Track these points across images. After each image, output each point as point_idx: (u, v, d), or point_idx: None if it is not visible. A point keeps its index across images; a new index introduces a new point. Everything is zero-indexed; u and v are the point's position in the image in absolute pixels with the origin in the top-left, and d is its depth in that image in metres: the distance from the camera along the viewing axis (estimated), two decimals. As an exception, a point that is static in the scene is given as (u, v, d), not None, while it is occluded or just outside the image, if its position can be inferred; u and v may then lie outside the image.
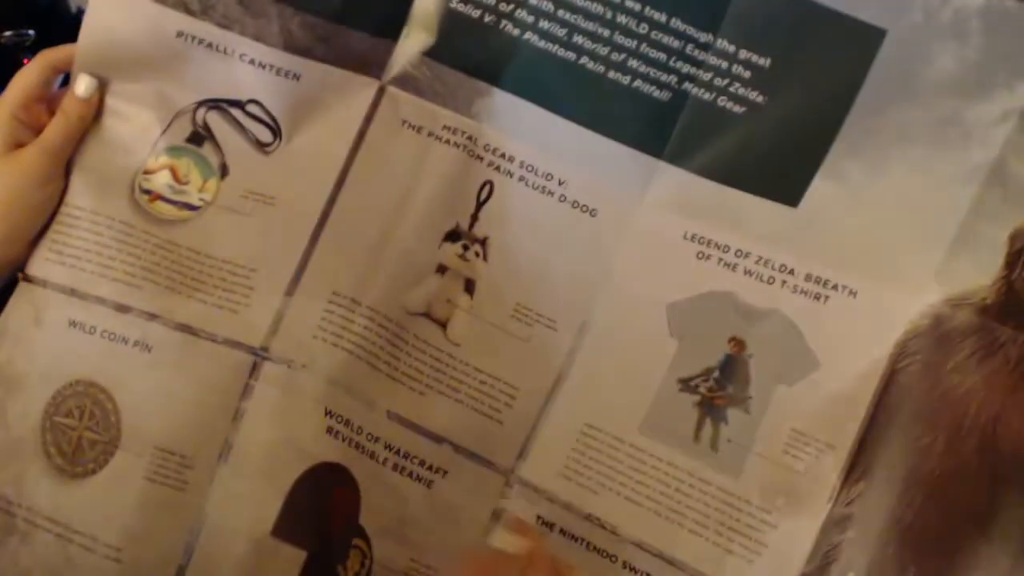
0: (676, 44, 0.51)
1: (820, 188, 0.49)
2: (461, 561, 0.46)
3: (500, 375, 0.54)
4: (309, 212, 0.53)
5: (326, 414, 0.53)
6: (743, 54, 0.50)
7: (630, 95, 0.51)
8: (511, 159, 0.53)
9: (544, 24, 0.51)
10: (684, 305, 0.52)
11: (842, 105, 0.49)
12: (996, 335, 0.44)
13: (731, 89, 0.51)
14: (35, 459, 0.52)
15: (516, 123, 0.53)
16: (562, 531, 0.53)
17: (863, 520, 0.47)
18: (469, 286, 0.54)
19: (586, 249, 0.53)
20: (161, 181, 0.52)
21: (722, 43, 0.50)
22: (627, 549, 0.52)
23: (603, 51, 0.51)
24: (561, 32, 0.51)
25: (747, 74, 0.50)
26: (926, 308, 0.47)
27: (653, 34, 0.51)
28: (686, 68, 0.51)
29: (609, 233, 0.53)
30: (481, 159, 0.53)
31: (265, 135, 0.53)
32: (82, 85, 0.51)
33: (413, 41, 0.52)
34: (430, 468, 0.54)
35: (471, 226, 0.54)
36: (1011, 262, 0.45)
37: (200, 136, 0.53)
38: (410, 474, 0.54)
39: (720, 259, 0.51)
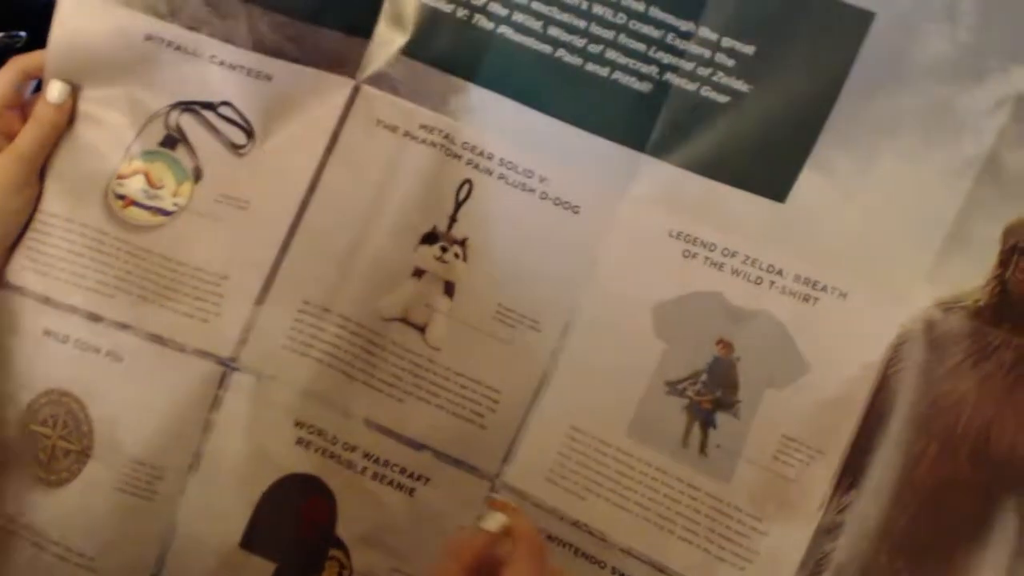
0: (656, 34, 0.49)
1: (808, 181, 0.47)
2: (444, 550, 0.45)
3: (482, 379, 0.52)
4: (281, 218, 0.52)
5: (296, 425, 0.52)
6: (726, 42, 0.48)
7: (610, 87, 0.50)
8: (490, 156, 0.52)
9: (518, 17, 0.50)
10: (670, 306, 0.50)
11: (830, 92, 0.47)
12: (989, 339, 0.42)
13: (714, 79, 0.49)
14: (14, 467, 0.52)
15: (494, 119, 0.51)
16: (550, 537, 0.52)
17: (855, 528, 0.45)
18: (448, 288, 0.53)
19: (569, 247, 0.52)
20: (135, 186, 0.51)
21: (704, 31, 0.48)
22: (616, 556, 0.51)
23: (580, 43, 0.49)
24: (536, 25, 0.50)
25: (731, 63, 0.48)
26: (918, 312, 0.45)
27: (631, 24, 0.49)
28: (667, 58, 0.49)
29: (592, 230, 0.51)
30: (459, 157, 0.52)
31: (239, 137, 0.52)
32: (54, 91, 0.50)
33: (387, 38, 0.51)
34: (411, 476, 0.53)
35: (450, 227, 0.53)
36: (1004, 260, 0.42)
37: (173, 139, 0.52)
38: (390, 482, 0.53)
39: (707, 258, 0.49)
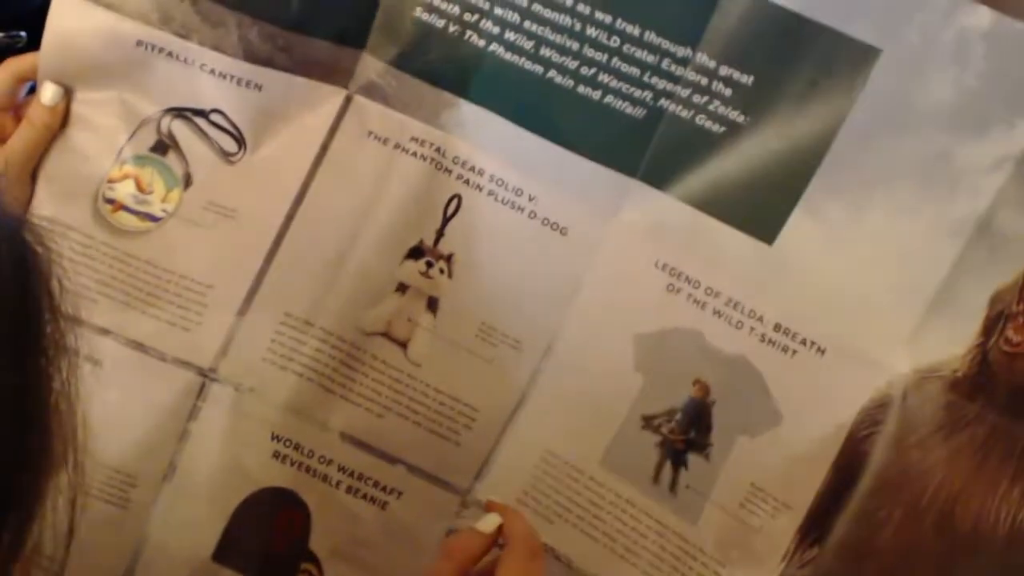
0: (651, 59, 0.47)
1: (798, 225, 0.46)
2: (440, 550, 0.46)
3: (460, 396, 0.52)
4: (268, 228, 0.52)
5: (273, 438, 0.53)
6: (724, 70, 0.46)
7: (602, 111, 0.48)
8: (480, 172, 0.51)
9: (510, 36, 0.48)
10: (651, 339, 0.50)
11: (828, 129, 0.45)
12: (964, 412, 0.41)
13: (710, 108, 0.47)
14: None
15: (486, 136, 0.50)
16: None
17: (816, 585, 0.45)
18: (432, 304, 0.53)
19: (554, 269, 0.51)
20: (125, 191, 0.52)
21: (702, 58, 0.47)
22: (581, 584, 0.51)
23: (572, 65, 0.48)
24: (528, 44, 0.48)
25: (728, 92, 0.47)
26: (894, 377, 0.44)
27: (626, 48, 0.47)
28: (662, 84, 0.47)
29: (579, 253, 0.51)
30: (449, 172, 0.51)
31: (230, 145, 0.52)
32: (47, 93, 0.50)
33: (379, 50, 0.50)
34: (384, 489, 0.53)
35: (436, 242, 0.52)
36: (988, 327, 0.40)
37: (164, 145, 0.52)
38: (364, 496, 0.53)
39: (690, 295, 0.48)
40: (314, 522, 0.53)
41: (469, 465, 0.53)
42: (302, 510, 0.53)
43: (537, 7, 0.47)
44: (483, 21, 0.48)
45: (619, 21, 0.47)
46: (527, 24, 0.48)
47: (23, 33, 0.59)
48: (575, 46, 0.48)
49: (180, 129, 0.52)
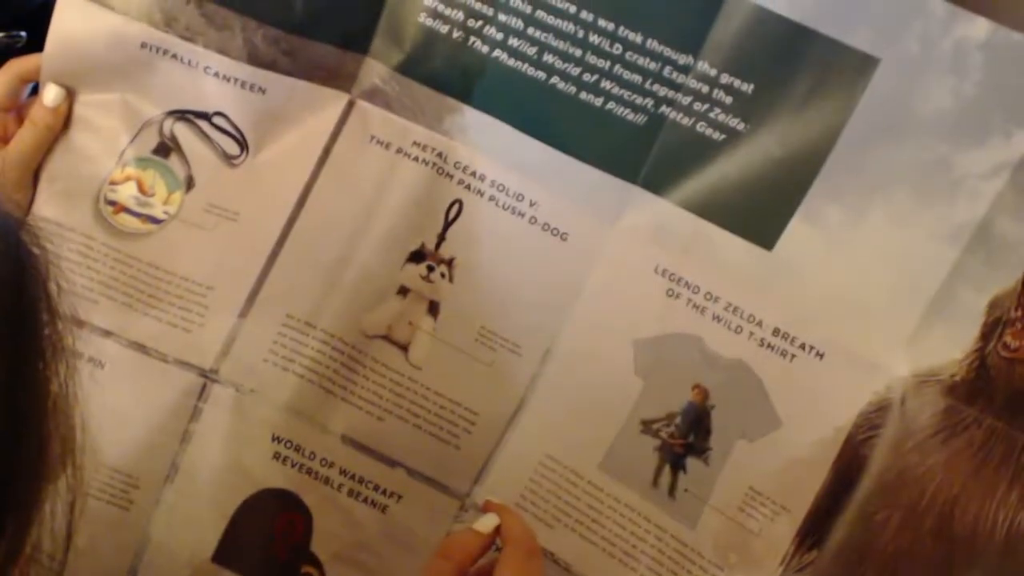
0: (653, 66, 0.48)
1: (797, 231, 0.46)
2: (437, 549, 0.46)
3: (461, 400, 0.53)
4: (269, 230, 0.52)
5: (274, 440, 0.53)
6: (725, 78, 0.47)
7: (603, 117, 0.49)
8: (482, 177, 0.51)
9: (513, 42, 0.49)
10: (650, 344, 0.50)
11: (827, 138, 0.46)
12: (962, 416, 0.41)
13: (711, 115, 0.47)
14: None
15: (488, 141, 0.51)
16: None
17: (815, 588, 0.45)
18: (433, 308, 0.53)
19: (555, 274, 0.51)
20: (127, 193, 0.52)
21: (703, 66, 0.47)
22: (579, 587, 0.51)
23: (574, 71, 0.48)
24: (531, 51, 0.49)
25: (728, 100, 0.47)
26: (893, 381, 0.44)
27: (628, 55, 0.48)
28: (663, 91, 0.48)
29: (579, 259, 0.51)
30: (451, 177, 0.52)
31: (232, 147, 0.52)
32: (50, 94, 0.50)
33: (382, 55, 0.51)
34: (384, 493, 0.53)
35: (438, 246, 0.53)
36: (986, 333, 0.41)
37: (167, 147, 0.52)
38: (364, 499, 0.53)
39: (689, 300, 0.49)
40: (316, 525, 0.53)
41: (468, 469, 0.53)
42: (303, 512, 0.53)
43: (540, 14, 0.48)
44: (487, 27, 0.49)
45: (622, 28, 0.47)
46: (530, 30, 0.48)
47: (23, 33, 0.59)
48: (578, 53, 0.48)
49: (182, 131, 0.52)
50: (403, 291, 0.53)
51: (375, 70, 0.51)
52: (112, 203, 0.52)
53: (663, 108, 0.48)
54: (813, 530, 0.45)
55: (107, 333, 0.52)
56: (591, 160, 0.49)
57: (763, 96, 0.46)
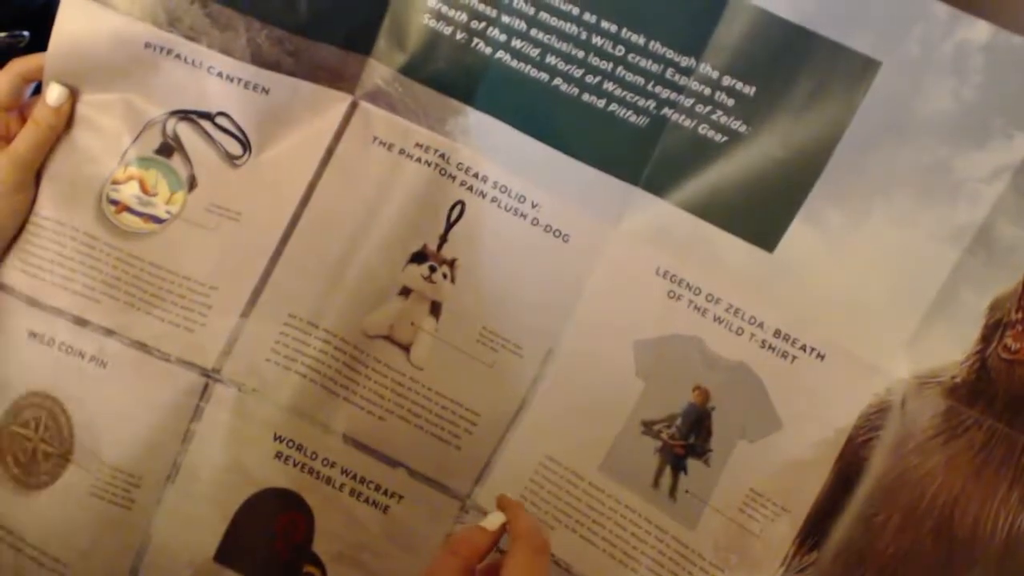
0: (655, 68, 0.48)
1: (798, 233, 0.46)
2: (444, 545, 0.46)
3: (462, 400, 0.53)
4: (272, 230, 0.52)
5: (275, 439, 0.53)
6: (727, 81, 0.47)
7: (606, 119, 0.49)
8: (484, 179, 0.51)
9: (517, 43, 0.49)
10: (651, 345, 0.50)
11: (829, 140, 0.46)
12: (962, 418, 0.41)
13: (713, 117, 0.48)
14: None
15: (491, 142, 0.51)
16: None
17: (815, 589, 0.45)
18: (435, 309, 0.53)
19: (556, 275, 0.51)
20: (129, 192, 0.52)
21: (705, 68, 0.47)
22: (580, 588, 0.51)
23: (577, 73, 0.49)
24: (534, 52, 0.49)
25: (731, 102, 0.47)
26: (893, 383, 0.44)
27: (630, 57, 0.48)
28: (665, 93, 0.48)
29: (581, 260, 0.51)
30: (453, 178, 0.52)
31: (235, 148, 0.52)
32: (53, 94, 0.50)
33: (386, 56, 0.51)
34: (385, 493, 0.53)
35: (440, 247, 0.53)
36: (987, 335, 0.41)
37: (169, 147, 0.52)
38: (366, 499, 0.53)
39: (691, 301, 0.49)
40: (317, 525, 0.53)
41: (469, 470, 0.53)
42: (305, 512, 0.53)
43: (544, 15, 0.48)
44: (490, 29, 0.49)
45: (624, 30, 0.47)
46: (534, 32, 0.48)
47: (26, 32, 0.59)
48: (580, 55, 0.48)
49: (185, 131, 0.52)
50: (405, 292, 0.53)
51: (378, 71, 0.51)
52: (114, 202, 0.52)
53: (665, 110, 0.48)
54: (813, 531, 0.45)
55: (109, 332, 0.52)
56: (593, 162, 0.49)
57: (765, 98, 0.47)
